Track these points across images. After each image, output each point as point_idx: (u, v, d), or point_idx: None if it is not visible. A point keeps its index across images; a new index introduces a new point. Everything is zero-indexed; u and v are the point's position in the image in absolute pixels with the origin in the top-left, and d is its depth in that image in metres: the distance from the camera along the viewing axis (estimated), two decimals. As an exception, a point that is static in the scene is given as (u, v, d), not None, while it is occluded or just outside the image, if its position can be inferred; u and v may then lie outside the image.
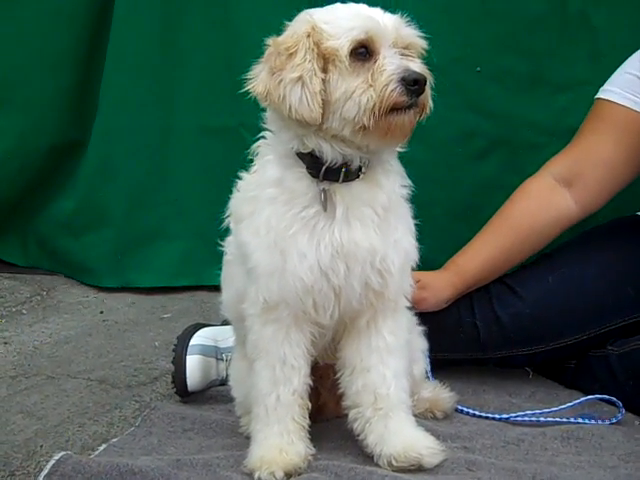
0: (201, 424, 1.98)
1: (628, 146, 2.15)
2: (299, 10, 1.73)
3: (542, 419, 2.01)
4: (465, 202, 2.75)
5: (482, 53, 2.68)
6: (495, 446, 1.87)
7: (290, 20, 1.71)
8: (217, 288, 1.96)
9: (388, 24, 1.65)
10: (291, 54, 1.62)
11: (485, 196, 2.64)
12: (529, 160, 2.54)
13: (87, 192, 3.10)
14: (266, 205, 1.69)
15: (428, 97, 1.66)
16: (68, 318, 2.82)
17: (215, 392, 2.18)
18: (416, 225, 1.79)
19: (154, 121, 3.01)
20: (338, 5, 1.71)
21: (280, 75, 1.62)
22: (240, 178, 1.80)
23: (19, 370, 2.35)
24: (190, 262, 3.04)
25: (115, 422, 2.02)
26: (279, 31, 1.71)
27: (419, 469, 1.71)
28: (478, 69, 2.70)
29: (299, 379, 1.73)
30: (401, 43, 1.66)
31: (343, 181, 1.70)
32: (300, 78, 1.61)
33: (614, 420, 2.00)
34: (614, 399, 2.06)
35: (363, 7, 1.70)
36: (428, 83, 1.64)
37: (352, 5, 1.71)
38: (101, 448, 1.87)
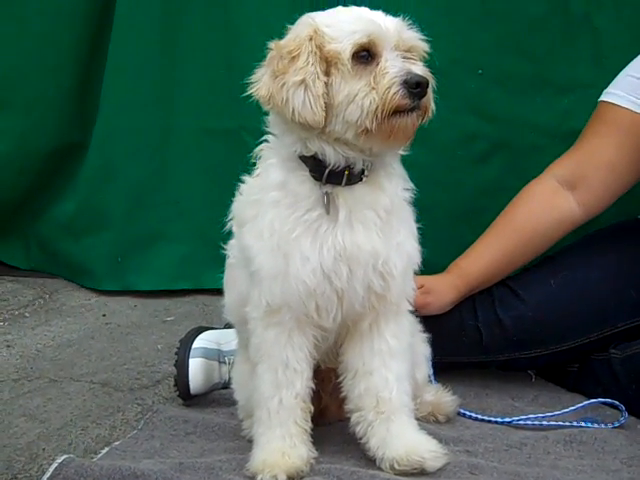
0: (203, 427, 1.98)
1: (631, 149, 2.15)
2: (300, 12, 1.73)
3: (545, 423, 2.00)
4: (467, 205, 2.74)
5: (484, 55, 2.68)
6: (497, 450, 1.87)
7: (291, 22, 1.71)
8: (218, 291, 1.96)
9: (390, 27, 1.66)
10: (294, 57, 1.62)
11: (487, 199, 2.63)
12: (531, 163, 2.53)
13: (87, 194, 3.10)
14: (269, 208, 1.69)
15: (430, 100, 1.66)
16: (71, 321, 2.82)
17: (218, 395, 2.18)
18: (418, 228, 1.79)
19: (155, 123, 3.01)
20: (340, 8, 1.71)
21: (283, 78, 1.63)
22: (242, 181, 1.80)
23: (22, 373, 2.36)
24: (190, 265, 3.04)
25: (118, 425, 2.02)
26: (280, 33, 1.71)
27: (421, 473, 1.71)
28: (480, 71, 2.69)
29: (301, 382, 1.73)
30: (403, 46, 1.66)
31: (346, 184, 1.70)
32: (303, 81, 1.61)
33: (617, 424, 1.99)
34: (617, 403, 2.06)
35: (365, 10, 1.70)
36: (430, 86, 1.65)
37: (354, 8, 1.71)
38: (104, 451, 1.87)
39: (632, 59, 2.22)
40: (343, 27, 1.64)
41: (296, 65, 1.62)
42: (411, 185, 1.78)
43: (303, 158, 1.70)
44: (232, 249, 1.84)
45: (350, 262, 1.68)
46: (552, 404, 2.14)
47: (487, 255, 2.21)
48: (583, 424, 1.99)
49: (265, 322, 1.72)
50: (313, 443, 1.75)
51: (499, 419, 2.04)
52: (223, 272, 1.91)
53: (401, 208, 1.76)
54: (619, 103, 2.16)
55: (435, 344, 2.03)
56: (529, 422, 2.01)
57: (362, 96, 1.61)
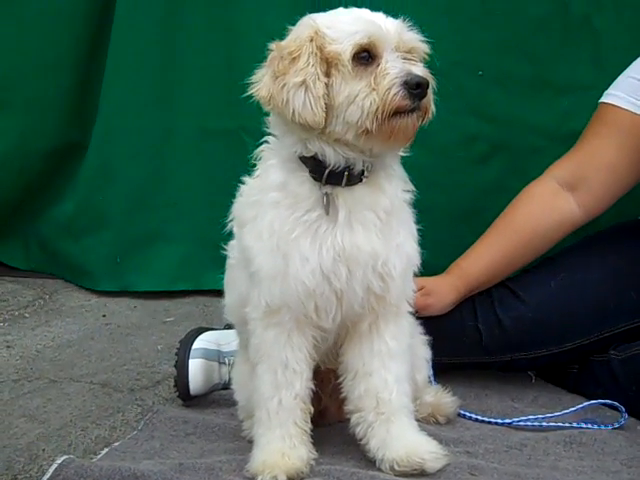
0: (203, 428, 1.98)
1: (631, 150, 2.15)
2: (300, 13, 1.74)
3: (545, 424, 2.00)
4: (467, 206, 2.74)
5: (484, 57, 2.68)
6: (498, 451, 1.87)
7: (291, 23, 1.71)
8: (218, 292, 1.96)
9: (390, 28, 1.66)
10: (294, 58, 1.62)
11: (487, 200, 2.63)
12: (531, 164, 2.53)
13: (87, 194, 3.10)
14: (269, 209, 1.69)
15: (431, 101, 1.66)
16: (70, 322, 2.82)
17: (218, 396, 2.17)
18: (418, 230, 1.79)
19: (154, 123, 3.01)
20: (341, 10, 1.72)
21: (283, 79, 1.63)
22: (242, 182, 1.80)
23: (22, 374, 2.36)
24: (189, 266, 3.03)
25: (117, 426, 2.02)
26: (280, 34, 1.71)
27: (421, 474, 1.71)
28: (480, 73, 2.69)
29: (301, 383, 1.73)
30: (403, 47, 1.66)
31: (346, 185, 1.70)
32: (303, 82, 1.61)
33: (617, 425, 2.00)
34: (617, 404, 2.06)
35: (366, 12, 1.70)
36: (431, 87, 1.65)
37: (354, 10, 1.71)
38: (103, 452, 1.87)
39: (632, 61, 2.22)
40: (344, 28, 1.65)
41: (297, 66, 1.62)
42: (411, 187, 1.78)
43: (303, 159, 1.70)
44: (232, 250, 1.84)
45: (349, 263, 1.68)
46: (552, 405, 2.14)
47: (487, 256, 2.21)
48: (583, 425, 1.99)
49: (264, 322, 1.72)
50: (313, 444, 1.75)
51: (499, 420, 2.04)
52: (223, 273, 1.91)
53: (401, 209, 1.76)
54: (620, 104, 2.16)
55: (435, 345, 2.03)
56: (529, 423, 2.01)
57: (362, 97, 1.61)
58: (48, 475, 1.67)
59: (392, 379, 1.74)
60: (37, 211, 3.22)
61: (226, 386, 2.14)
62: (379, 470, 1.73)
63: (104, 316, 2.88)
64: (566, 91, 2.64)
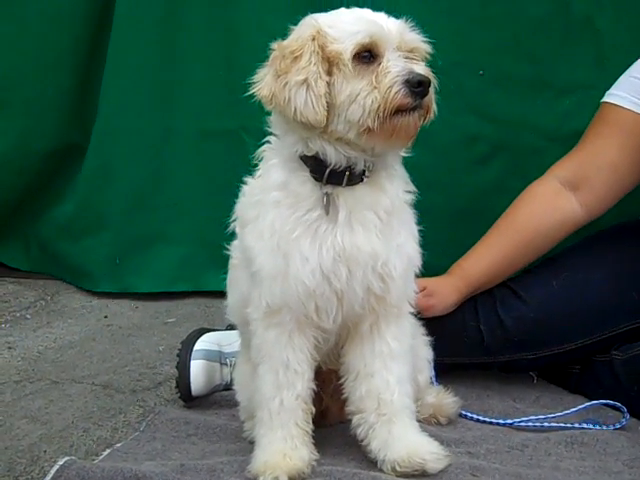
0: (205, 429, 1.98)
1: (633, 150, 2.15)
2: (300, 13, 1.74)
3: (546, 424, 2.00)
4: (467, 206, 2.74)
5: (485, 57, 2.67)
6: (499, 451, 1.87)
7: (292, 23, 1.71)
8: (220, 293, 1.96)
9: (392, 28, 1.66)
10: (296, 57, 1.63)
11: (487, 200, 2.63)
12: (532, 164, 2.53)
13: (86, 195, 3.10)
14: (270, 209, 1.70)
15: (432, 99, 1.66)
16: (72, 323, 2.82)
17: (219, 397, 2.18)
18: (419, 231, 1.79)
19: (154, 124, 3.01)
20: (342, 10, 1.72)
21: (285, 78, 1.63)
22: (243, 182, 1.80)
23: (23, 375, 2.36)
24: (189, 266, 3.03)
25: (119, 427, 2.02)
26: (280, 34, 1.71)
27: (423, 474, 1.71)
28: (481, 73, 2.69)
29: (302, 384, 1.73)
30: (405, 47, 1.66)
31: (347, 185, 1.70)
32: (305, 81, 1.61)
33: (618, 425, 1.99)
34: (618, 404, 2.06)
35: (367, 12, 1.70)
36: (432, 85, 1.65)
37: (356, 10, 1.72)
38: (105, 453, 1.87)
39: (633, 61, 2.22)
40: (345, 28, 1.65)
41: (298, 65, 1.62)
42: (412, 187, 1.78)
43: (304, 158, 1.70)
44: (235, 250, 1.85)
45: (349, 263, 1.68)
46: (554, 405, 2.14)
47: (489, 256, 2.21)
48: (585, 426, 1.99)
49: (265, 323, 1.72)
50: (314, 445, 1.75)
51: (501, 420, 2.03)
52: (225, 273, 1.91)
53: (402, 210, 1.76)
54: (621, 104, 2.16)
55: (437, 345, 2.03)
56: (531, 424, 2.01)
57: (364, 95, 1.62)
58: (50, 476, 1.68)
59: (393, 380, 1.74)
60: (37, 212, 3.22)
61: (228, 387, 2.14)
62: (380, 471, 1.73)
63: (106, 317, 2.88)
64: (567, 91, 2.64)
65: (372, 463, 1.75)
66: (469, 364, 2.27)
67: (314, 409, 1.76)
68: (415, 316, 1.85)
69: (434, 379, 2.09)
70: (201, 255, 2.99)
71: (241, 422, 1.93)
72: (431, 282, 2.14)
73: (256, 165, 1.79)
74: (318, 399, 1.82)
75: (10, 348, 2.57)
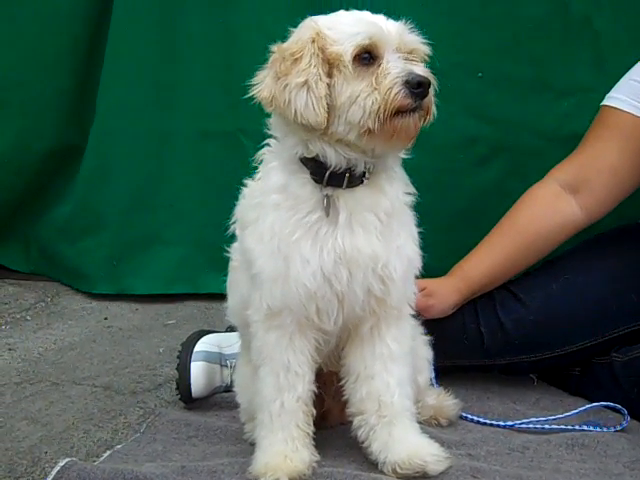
0: (205, 431, 1.98)
1: (633, 153, 2.15)
2: (298, 14, 1.74)
3: (547, 426, 2.00)
4: (466, 208, 2.74)
5: (484, 58, 2.67)
6: (500, 453, 1.87)
7: (290, 25, 1.72)
8: (216, 295, 1.96)
9: (391, 30, 1.66)
10: (296, 59, 1.63)
11: (487, 202, 2.64)
12: (531, 166, 2.53)
13: (84, 196, 3.09)
14: (270, 211, 1.70)
15: (432, 100, 1.66)
16: (72, 324, 2.82)
17: (219, 399, 2.18)
18: (419, 233, 1.79)
19: (152, 125, 3.00)
20: (342, 12, 1.72)
21: (285, 80, 1.63)
22: (243, 185, 1.80)
23: (24, 376, 2.36)
24: (187, 268, 3.03)
25: (120, 428, 2.03)
26: (278, 35, 1.71)
27: (423, 476, 1.71)
28: (480, 74, 2.69)
29: (303, 386, 1.73)
30: (404, 49, 1.67)
31: (347, 187, 1.70)
32: (306, 83, 1.62)
33: (619, 427, 1.99)
34: (619, 406, 2.06)
35: (366, 14, 1.71)
36: (432, 86, 1.65)
37: (355, 12, 1.72)
38: (106, 454, 1.87)
39: (632, 62, 2.22)
40: (345, 30, 1.65)
41: (299, 67, 1.62)
42: (412, 189, 1.78)
43: (304, 161, 1.70)
44: (235, 252, 1.85)
45: (350, 265, 1.68)
46: (554, 408, 2.14)
47: (489, 258, 2.21)
48: (585, 428, 1.99)
49: (266, 325, 1.72)
50: (315, 446, 1.75)
51: (501, 422, 2.03)
52: (224, 275, 1.92)
53: (402, 212, 1.76)
54: (621, 107, 2.16)
55: (437, 347, 2.03)
56: (531, 425, 2.01)
57: (364, 97, 1.62)
58: (50, 478, 1.68)
59: (394, 382, 1.74)
60: (35, 213, 3.22)
61: (228, 389, 2.15)
62: (381, 473, 1.73)
63: (106, 319, 2.88)
64: (566, 93, 2.64)
65: (373, 465, 1.75)
66: (469, 366, 2.27)
67: (315, 411, 1.76)
68: (415, 317, 1.85)
69: (434, 381, 2.09)
70: (199, 257, 2.98)
71: (241, 424, 1.93)
72: (431, 283, 2.14)
73: (255, 167, 1.79)
74: (319, 401, 1.83)
75: (10, 350, 2.58)
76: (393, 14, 1.72)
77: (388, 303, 1.73)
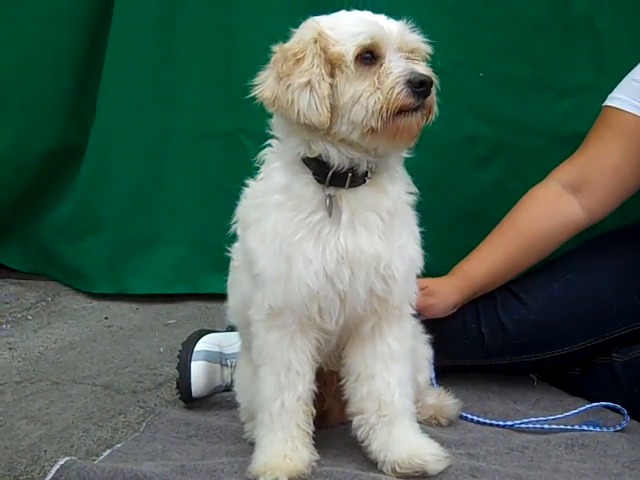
0: (205, 430, 1.98)
1: (636, 153, 2.15)
2: (299, 14, 1.74)
3: (546, 426, 2.00)
4: (467, 208, 2.73)
5: (485, 58, 2.67)
6: (499, 453, 1.87)
7: (291, 25, 1.72)
8: (216, 295, 1.96)
9: (393, 29, 1.67)
10: (299, 60, 1.63)
11: (488, 201, 2.63)
12: (532, 166, 2.53)
13: (84, 196, 3.09)
14: (272, 211, 1.70)
15: (434, 99, 1.67)
16: (73, 324, 2.82)
17: (219, 398, 2.18)
18: (421, 232, 1.79)
19: (152, 125, 3.00)
20: (343, 12, 1.72)
21: (288, 80, 1.63)
22: (244, 185, 1.80)
23: (24, 375, 2.36)
24: (187, 268, 3.02)
25: (119, 428, 2.03)
26: (279, 35, 1.72)
27: (423, 476, 1.71)
28: (481, 74, 2.69)
29: (304, 385, 1.73)
30: (406, 48, 1.67)
31: (349, 186, 1.70)
32: (308, 83, 1.62)
33: (619, 427, 1.99)
34: (619, 406, 2.06)
35: (368, 14, 1.71)
36: (434, 85, 1.65)
37: (357, 12, 1.72)
38: (105, 453, 1.87)
39: (633, 62, 2.22)
40: (346, 30, 1.65)
41: (301, 67, 1.62)
42: (414, 189, 1.79)
43: (306, 161, 1.70)
44: (236, 252, 1.85)
45: (352, 265, 1.68)
46: (554, 408, 2.14)
47: (491, 258, 2.21)
48: (585, 428, 1.99)
49: (267, 325, 1.72)
50: (315, 446, 1.75)
51: (501, 422, 2.04)
52: (225, 275, 1.92)
53: (404, 211, 1.76)
54: (623, 108, 2.16)
55: (437, 347, 2.03)
56: (531, 425, 2.01)
57: (367, 96, 1.62)
58: (50, 476, 1.68)
59: (394, 382, 1.74)
60: (35, 213, 3.21)
61: (228, 388, 2.15)
62: (381, 472, 1.73)
63: (106, 318, 2.88)
64: (567, 93, 2.64)
65: (372, 464, 1.75)
66: (470, 366, 2.27)
67: (315, 410, 1.76)
68: (415, 316, 1.85)
69: (434, 381, 2.09)
70: (199, 257, 2.98)
71: (241, 423, 1.93)
72: (432, 282, 2.14)
73: (256, 168, 1.79)
74: (320, 400, 1.83)
75: (11, 349, 2.58)
76: (394, 14, 1.72)
77: (390, 303, 1.74)
